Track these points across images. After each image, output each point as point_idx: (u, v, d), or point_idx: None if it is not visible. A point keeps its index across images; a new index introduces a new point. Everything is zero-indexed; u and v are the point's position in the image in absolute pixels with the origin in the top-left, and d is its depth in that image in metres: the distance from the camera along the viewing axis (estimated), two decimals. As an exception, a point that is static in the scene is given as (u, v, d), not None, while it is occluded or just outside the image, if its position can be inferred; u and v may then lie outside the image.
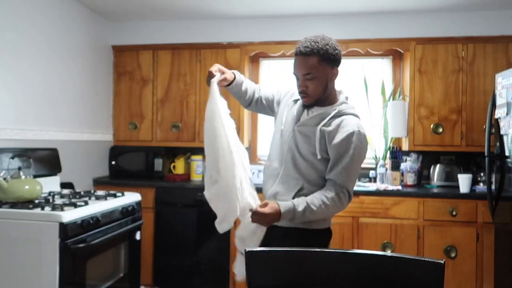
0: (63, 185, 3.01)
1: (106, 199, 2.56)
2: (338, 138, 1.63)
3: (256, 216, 1.59)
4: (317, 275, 1.03)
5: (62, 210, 2.11)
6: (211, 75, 1.72)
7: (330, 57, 1.64)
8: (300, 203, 1.61)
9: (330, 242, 1.80)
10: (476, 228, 3.02)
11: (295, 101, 1.79)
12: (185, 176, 3.69)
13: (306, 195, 1.65)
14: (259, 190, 1.74)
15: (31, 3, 2.87)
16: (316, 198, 1.63)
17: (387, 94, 3.66)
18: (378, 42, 3.49)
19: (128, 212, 2.64)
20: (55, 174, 2.93)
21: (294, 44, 3.50)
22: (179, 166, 3.76)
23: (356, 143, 1.62)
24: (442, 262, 0.92)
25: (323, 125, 1.66)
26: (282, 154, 1.74)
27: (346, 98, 1.76)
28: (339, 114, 1.68)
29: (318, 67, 1.62)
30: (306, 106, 1.74)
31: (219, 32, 3.70)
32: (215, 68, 1.74)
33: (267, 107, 1.93)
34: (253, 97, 1.93)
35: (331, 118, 1.67)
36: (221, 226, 1.70)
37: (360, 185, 3.33)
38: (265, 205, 1.60)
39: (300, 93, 1.70)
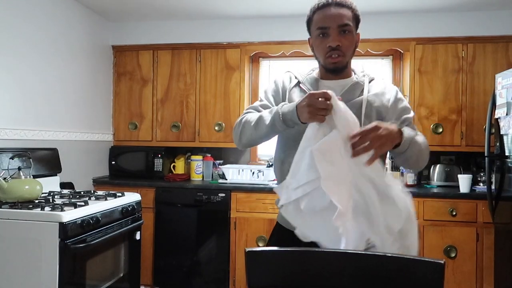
0: (63, 185, 3.01)
1: (106, 199, 2.56)
2: (388, 97, 1.45)
3: (369, 133, 1.16)
4: (317, 275, 1.03)
5: (62, 210, 2.11)
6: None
7: (358, 18, 1.47)
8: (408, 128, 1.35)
9: None
10: (476, 228, 3.02)
11: (297, 85, 1.53)
12: (185, 176, 3.69)
13: None
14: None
15: (31, 3, 2.87)
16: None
17: (387, 94, 3.66)
18: (378, 42, 3.49)
19: (128, 212, 2.64)
20: (55, 174, 2.93)
21: (294, 44, 3.55)
22: (179, 166, 3.76)
23: (404, 99, 1.50)
24: (442, 262, 0.92)
25: (367, 93, 1.44)
26: None
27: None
28: (369, 78, 1.51)
29: (352, 21, 1.44)
30: (328, 72, 1.48)
31: (219, 32, 3.70)
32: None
33: None
34: None
35: (368, 82, 1.49)
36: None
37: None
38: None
39: (331, 50, 1.43)
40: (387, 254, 0.99)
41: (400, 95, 1.50)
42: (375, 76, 1.54)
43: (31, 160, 2.60)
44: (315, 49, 1.51)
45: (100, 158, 3.74)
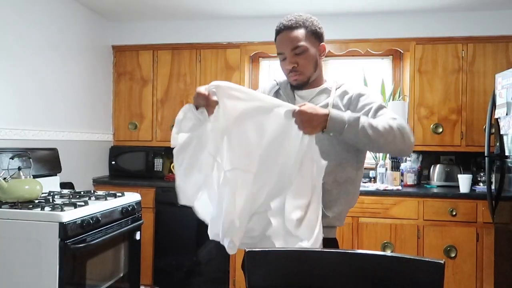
0: (63, 185, 3.01)
1: (106, 199, 2.56)
2: (354, 96, 1.51)
3: (298, 116, 1.30)
4: (317, 275, 1.03)
5: (62, 210, 2.11)
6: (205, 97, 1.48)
7: (316, 30, 1.54)
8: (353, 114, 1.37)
9: None
10: (476, 228, 3.02)
11: (276, 93, 1.63)
12: (185, 176, 3.68)
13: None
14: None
15: (31, 3, 2.87)
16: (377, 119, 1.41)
17: (387, 94, 3.66)
18: (378, 42, 3.49)
19: (128, 212, 2.64)
20: (55, 174, 2.93)
21: (294, 44, 3.54)
22: (179, 166, 3.75)
23: (370, 94, 1.51)
24: (442, 262, 0.92)
25: (332, 102, 1.50)
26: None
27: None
28: (337, 85, 1.57)
29: (306, 39, 1.50)
30: (295, 88, 1.57)
31: (219, 32, 3.70)
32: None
33: None
34: None
35: (335, 89, 1.55)
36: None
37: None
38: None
39: (290, 72, 1.53)
40: (387, 254, 0.99)
41: (364, 91, 1.53)
42: (345, 82, 1.60)
43: (31, 160, 2.60)
44: (281, 69, 1.61)
45: (100, 158, 3.74)
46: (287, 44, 1.50)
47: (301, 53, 1.50)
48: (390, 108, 3.47)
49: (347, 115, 1.34)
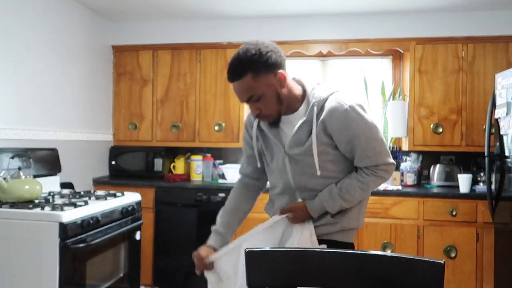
0: (63, 185, 3.01)
1: (106, 199, 2.56)
2: (335, 125, 1.42)
3: (285, 213, 1.48)
4: (317, 275, 1.03)
5: (62, 210, 2.11)
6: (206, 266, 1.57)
7: (263, 65, 1.38)
8: (328, 188, 1.46)
9: None
10: (476, 228, 3.02)
11: (258, 127, 1.58)
12: (185, 176, 3.69)
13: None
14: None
15: (31, 3, 2.87)
16: (350, 179, 1.47)
17: (387, 94, 3.66)
18: (378, 42, 3.49)
19: (128, 212, 2.64)
20: (55, 174, 2.93)
21: (294, 44, 3.55)
22: (179, 166, 3.76)
23: (356, 118, 1.42)
24: (442, 262, 0.92)
25: (316, 128, 1.45)
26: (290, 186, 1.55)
27: (313, 85, 1.53)
28: (319, 105, 1.45)
29: (256, 84, 1.39)
30: (274, 124, 1.51)
31: (219, 32, 3.70)
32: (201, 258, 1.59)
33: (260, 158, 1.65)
34: (257, 191, 1.75)
35: (316, 114, 1.45)
36: None
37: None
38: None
39: (256, 117, 1.49)
40: (387, 254, 0.99)
41: (351, 115, 1.42)
42: (325, 95, 1.47)
43: (31, 160, 2.60)
44: None
45: (100, 158, 3.74)
46: (240, 96, 1.44)
47: (258, 99, 1.42)
48: (390, 108, 3.46)
49: (322, 197, 1.47)
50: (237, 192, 1.72)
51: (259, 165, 1.61)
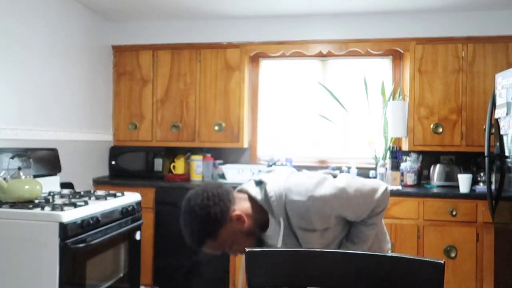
0: (63, 185, 3.01)
1: (106, 199, 2.56)
2: (316, 223, 1.34)
3: None
4: (317, 275, 1.03)
5: (62, 210, 2.11)
6: None
7: (215, 224, 1.31)
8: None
9: None
10: (476, 228, 3.02)
11: None
12: (185, 176, 3.69)
13: None
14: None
15: (31, 3, 2.87)
16: (355, 227, 1.42)
17: (387, 94, 3.66)
18: (378, 42, 3.49)
19: (128, 212, 2.64)
20: (55, 174, 2.93)
21: (294, 44, 3.55)
22: (179, 166, 3.76)
23: (324, 203, 1.32)
24: (442, 262, 0.92)
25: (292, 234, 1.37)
26: None
27: (253, 189, 1.42)
28: (282, 212, 1.35)
29: (220, 241, 1.34)
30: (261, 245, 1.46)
31: (219, 32, 3.70)
32: None
33: None
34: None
35: (287, 221, 1.36)
36: None
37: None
38: None
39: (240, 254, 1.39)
40: (387, 254, 0.99)
41: (318, 206, 1.32)
42: (282, 203, 1.35)
43: (31, 160, 2.60)
44: None
45: (100, 158, 3.74)
46: (215, 252, 1.40)
47: (231, 247, 1.37)
48: (390, 108, 3.46)
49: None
50: None
51: None
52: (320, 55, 3.72)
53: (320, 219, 1.34)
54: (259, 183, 1.43)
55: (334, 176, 1.46)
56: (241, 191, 1.45)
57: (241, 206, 1.37)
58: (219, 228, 1.32)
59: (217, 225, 1.31)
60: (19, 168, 2.39)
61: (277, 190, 1.36)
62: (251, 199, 1.41)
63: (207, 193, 1.33)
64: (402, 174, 3.41)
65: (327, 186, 1.35)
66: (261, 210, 1.39)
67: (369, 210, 1.40)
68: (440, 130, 3.35)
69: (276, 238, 1.37)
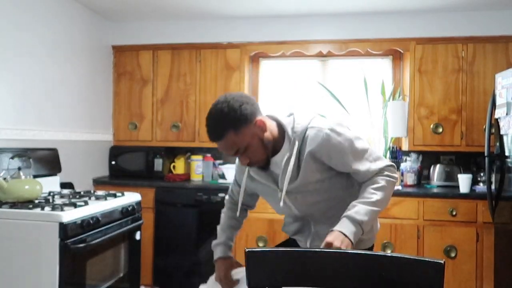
0: (63, 185, 3.01)
1: (106, 199, 2.56)
2: (323, 153, 1.43)
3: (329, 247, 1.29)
4: (317, 275, 1.03)
5: (62, 210, 2.11)
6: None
7: (241, 119, 1.40)
8: (354, 210, 1.37)
9: None
10: (476, 228, 3.02)
11: (248, 175, 1.62)
12: (185, 176, 3.69)
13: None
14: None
15: (31, 3, 2.87)
16: (364, 192, 1.43)
17: (387, 94, 3.66)
18: (378, 42, 3.49)
19: (128, 212, 2.64)
20: (55, 174, 2.93)
21: (294, 44, 3.55)
22: (179, 166, 3.76)
23: (339, 139, 1.42)
24: (442, 262, 0.92)
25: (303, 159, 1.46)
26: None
27: (288, 118, 1.52)
28: (300, 138, 1.46)
29: (239, 138, 1.41)
30: (265, 168, 1.53)
31: (219, 32, 3.70)
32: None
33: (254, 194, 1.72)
34: (246, 210, 1.80)
35: (299, 147, 1.46)
36: None
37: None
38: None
39: (247, 166, 1.53)
40: (387, 254, 0.99)
41: (334, 139, 1.42)
42: (303, 126, 1.47)
43: (31, 160, 2.60)
44: None
45: (100, 158, 3.74)
46: (227, 151, 1.46)
47: (245, 150, 1.44)
48: (390, 108, 3.46)
49: (354, 217, 1.35)
50: (229, 211, 1.80)
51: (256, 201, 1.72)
52: (320, 55, 3.72)
53: (328, 152, 1.43)
54: (289, 115, 1.55)
55: None
56: (269, 115, 1.55)
57: (266, 120, 1.47)
58: (244, 124, 1.40)
59: (243, 120, 1.40)
60: (19, 168, 2.39)
61: (305, 118, 1.50)
62: (276, 122, 1.52)
63: (245, 95, 1.47)
64: (402, 174, 3.41)
65: (350, 131, 1.46)
66: (280, 135, 1.49)
67: (375, 170, 1.45)
68: (440, 130, 3.35)
69: (280, 166, 1.48)
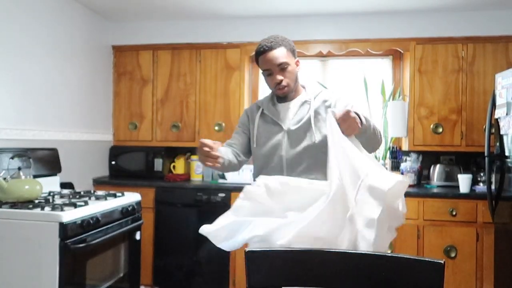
0: (63, 185, 3.01)
1: (106, 199, 2.56)
2: (334, 99, 1.75)
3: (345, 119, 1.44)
4: (317, 275, 1.03)
5: (62, 210, 2.11)
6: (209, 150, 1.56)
7: (292, 48, 1.76)
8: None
9: None
10: (476, 228, 3.02)
11: (262, 114, 1.83)
12: (185, 176, 3.69)
13: None
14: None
15: (31, 3, 2.87)
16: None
17: (387, 94, 3.66)
18: (378, 42, 3.49)
19: (128, 212, 2.64)
20: (55, 174, 2.93)
21: (294, 44, 3.53)
22: (179, 166, 3.76)
23: (347, 98, 1.75)
24: (442, 262, 0.92)
25: (314, 108, 1.74)
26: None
27: (310, 83, 1.88)
28: (315, 94, 1.79)
29: (287, 56, 1.72)
30: (280, 99, 1.81)
31: (219, 32, 3.70)
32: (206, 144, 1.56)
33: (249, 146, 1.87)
34: (238, 159, 1.85)
35: (314, 99, 1.77)
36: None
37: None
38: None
39: (277, 85, 1.74)
40: (387, 254, 0.99)
41: (341, 96, 1.76)
42: (321, 89, 1.83)
43: (31, 160, 2.60)
44: (266, 83, 1.81)
45: (100, 158, 3.74)
46: (272, 61, 1.71)
47: (285, 68, 1.72)
48: (390, 108, 3.47)
49: (357, 112, 1.54)
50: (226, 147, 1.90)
51: (255, 145, 1.82)
52: (320, 55, 3.72)
53: (336, 101, 1.73)
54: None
55: None
56: None
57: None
58: (294, 53, 1.77)
59: (294, 51, 1.78)
60: (19, 168, 2.39)
61: (322, 89, 1.88)
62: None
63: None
64: (402, 174, 3.41)
65: (362, 109, 1.64)
66: (301, 88, 1.84)
67: (373, 139, 1.64)
68: (440, 130, 3.35)
69: (289, 111, 1.78)
